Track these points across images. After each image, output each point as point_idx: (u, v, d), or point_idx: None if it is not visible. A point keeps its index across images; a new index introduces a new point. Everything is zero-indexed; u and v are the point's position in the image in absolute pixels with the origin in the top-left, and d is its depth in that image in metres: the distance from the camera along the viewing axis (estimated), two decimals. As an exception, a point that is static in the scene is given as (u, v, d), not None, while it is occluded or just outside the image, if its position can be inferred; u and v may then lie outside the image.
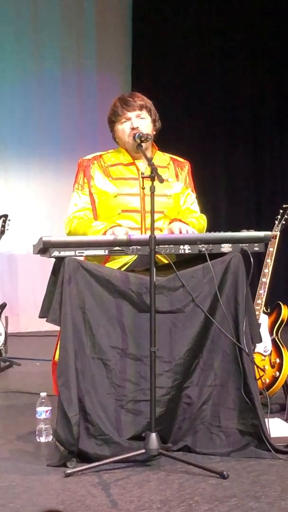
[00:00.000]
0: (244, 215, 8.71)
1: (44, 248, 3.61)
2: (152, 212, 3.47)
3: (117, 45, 8.43)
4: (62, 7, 8.20)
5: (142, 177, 3.58)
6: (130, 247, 3.64)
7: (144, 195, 3.94)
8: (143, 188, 3.52)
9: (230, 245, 3.70)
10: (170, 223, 3.95)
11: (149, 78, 8.19)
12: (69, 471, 3.34)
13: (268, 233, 3.81)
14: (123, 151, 4.05)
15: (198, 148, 8.27)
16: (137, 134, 3.86)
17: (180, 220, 3.93)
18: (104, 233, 3.76)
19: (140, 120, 3.97)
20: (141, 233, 3.89)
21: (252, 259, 3.65)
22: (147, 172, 3.61)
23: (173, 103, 8.28)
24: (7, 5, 7.96)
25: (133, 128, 3.94)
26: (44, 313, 3.69)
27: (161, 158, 4.07)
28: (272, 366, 4.39)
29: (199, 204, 4.18)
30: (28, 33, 8.05)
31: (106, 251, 3.64)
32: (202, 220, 4.08)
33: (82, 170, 4.03)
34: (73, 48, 8.25)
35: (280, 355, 4.40)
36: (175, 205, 4.05)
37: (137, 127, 3.93)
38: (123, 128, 3.98)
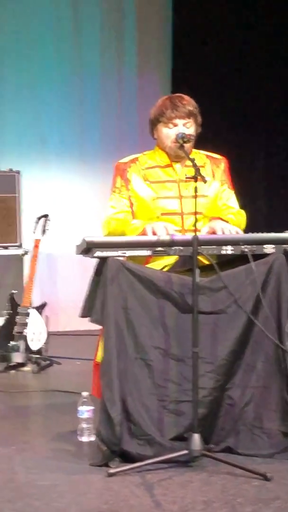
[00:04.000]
0: (285, 215, 8.65)
1: (87, 248, 3.62)
2: (195, 213, 3.48)
3: (157, 46, 8.42)
4: (102, 8, 8.22)
5: (186, 178, 3.58)
6: (173, 248, 3.64)
7: (181, 197, 3.95)
8: (186, 189, 3.53)
9: (273, 246, 3.68)
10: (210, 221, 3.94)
11: (189, 78, 8.17)
12: (112, 471, 3.36)
13: (312, 234, 3.79)
14: (160, 152, 4.04)
15: (238, 147, 8.23)
16: (180, 135, 3.86)
17: (221, 219, 3.92)
18: (143, 230, 3.77)
19: (186, 129, 3.95)
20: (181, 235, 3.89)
21: (295, 261, 3.64)
22: (187, 173, 3.62)
23: (213, 102, 8.25)
24: (48, 8, 8.00)
25: (179, 135, 3.90)
26: (86, 313, 3.71)
27: (198, 157, 4.04)
28: (314, 368, 4.36)
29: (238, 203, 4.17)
30: (69, 35, 8.07)
31: (149, 251, 3.65)
32: (240, 216, 4.07)
33: (119, 173, 4.04)
34: (113, 49, 8.27)
35: None
36: (213, 204, 4.04)
37: None
38: (168, 133, 3.96)
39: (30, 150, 7.84)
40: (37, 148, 7.92)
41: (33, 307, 6.09)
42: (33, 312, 6.06)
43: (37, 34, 7.93)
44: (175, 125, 3.95)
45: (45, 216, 6.34)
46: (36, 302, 6.18)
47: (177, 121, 3.95)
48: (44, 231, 6.27)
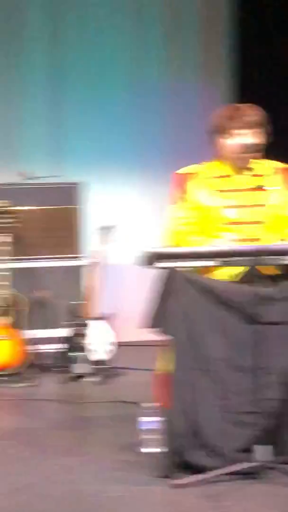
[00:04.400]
0: None
1: (149, 259, 3.62)
2: (256, 223, 3.45)
3: (221, 55, 8.39)
4: (163, 18, 8.23)
5: (248, 188, 3.55)
6: (235, 258, 3.62)
7: (243, 207, 3.92)
8: (248, 199, 3.52)
9: None
10: None
11: (255, 87, 8.10)
12: (175, 482, 3.34)
13: None
14: (222, 162, 4.00)
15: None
16: (242, 145, 3.84)
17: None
18: (204, 246, 3.76)
19: (249, 139, 3.91)
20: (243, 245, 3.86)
21: None
22: (247, 183, 3.59)
23: (282, 110, 8.16)
24: (108, 23, 8.05)
25: (243, 146, 3.88)
26: (149, 324, 3.70)
27: (262, 167, 3.99)
28: None
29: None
30: (130, 44, 8.12)
31: (212, 262, 3.63)
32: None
33: (177, 184, 4.04)
34: (175, 59, 8.27)
35: None
36: (276, 214, 4.00)
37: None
38: (232, 144, 3.93)
39: (92, 161, 7.89)
40: (99, 159, 7.96)
41: (95, 318, 6.12)
42: (95, 323, 6.08)
43: (97, 49, 7.99)
44: (238, 135, 3.91)
45: (108, 227, 6.36)
46: (99, 313, 6.21)
47: (239, 131, 3.91)
48: (106, 242, 6.30)
